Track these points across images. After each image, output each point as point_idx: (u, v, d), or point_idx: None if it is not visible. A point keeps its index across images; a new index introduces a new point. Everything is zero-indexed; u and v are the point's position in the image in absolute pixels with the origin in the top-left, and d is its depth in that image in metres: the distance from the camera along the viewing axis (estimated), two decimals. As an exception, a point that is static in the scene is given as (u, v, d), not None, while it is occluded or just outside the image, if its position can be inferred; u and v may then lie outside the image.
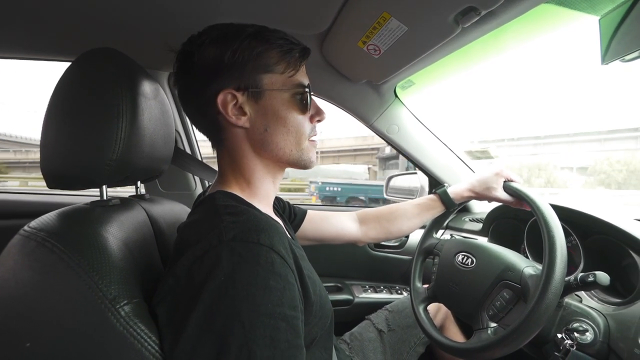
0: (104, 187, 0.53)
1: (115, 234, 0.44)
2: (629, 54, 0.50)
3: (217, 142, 0.53)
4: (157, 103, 0.59)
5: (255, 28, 0.49)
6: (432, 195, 0.82)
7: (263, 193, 0.54)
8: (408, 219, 0.81)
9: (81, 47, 0.53)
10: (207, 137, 0.55)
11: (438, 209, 0.81)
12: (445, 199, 0.79)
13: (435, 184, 1.25)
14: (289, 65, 0.49)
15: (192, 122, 0.55)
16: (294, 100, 0.50)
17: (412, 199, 1.39)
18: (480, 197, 0.77)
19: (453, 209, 0.81)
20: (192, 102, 0.51)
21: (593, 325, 0.59)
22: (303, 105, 0.51)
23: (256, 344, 0.34)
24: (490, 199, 0.76)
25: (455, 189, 0.80)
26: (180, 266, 0.38)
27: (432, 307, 0.89)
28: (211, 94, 0.48)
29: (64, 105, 0.49)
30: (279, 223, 0.50)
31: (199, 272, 0.37)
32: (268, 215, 0.50)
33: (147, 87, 0.55)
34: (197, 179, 1.24)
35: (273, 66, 0.49)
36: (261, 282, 0.36)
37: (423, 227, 0.86)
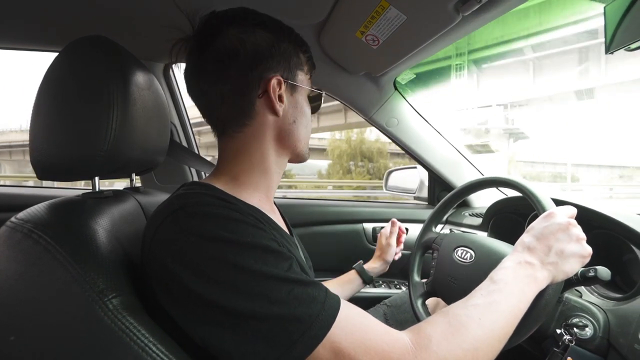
0: (96, 178, 0.52)
1: (106, 226, 0.44)
2: (634, 43, 0.49)
3: (237, 127, 0.51)
4: (151, 94, 0.58)
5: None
6: (352, 271, 0.90)
7: (264, 184, 0.54)
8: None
9: (71, 36, 0.52)
10: (221, 123, 0.52)
11: (356, 282, 0.88)
12: (361, 272, 0.88)
13: (435, 178, 1.24)
14: (309, 69, 0.56)
15: (204, 105, 0.52)
16: (310, 100, 0.57)
17: (411, 193, 1.38)
18: (385, 262, 0.91)
19: (370, 281, 0.88)
20: (223, 82, 0.49)
21: (593, 321, 0.59)
22: (315, 106, 0.59)
23: (251, 272, 0.37)
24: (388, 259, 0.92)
25: (370, 264, 0.91)
26: (148, 249, 0.41)
27: (431, 302, 0.89)
28: (258, 76, 0.49)
29: (53, 95, 0.48)
30: (264, 213, 0.50)
31: (165, 245, 0.39)
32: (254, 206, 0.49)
33: (140, 77, 0.54)
34: (194, 171, 1.23)
35: (303, 65, 0.54)
36: (224, 226, 0.39)
37: (421, 221, 0.86)
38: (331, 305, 0.38)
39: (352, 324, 0.38)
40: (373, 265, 0.90)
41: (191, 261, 0.37)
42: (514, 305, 0.45)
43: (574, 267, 0.49)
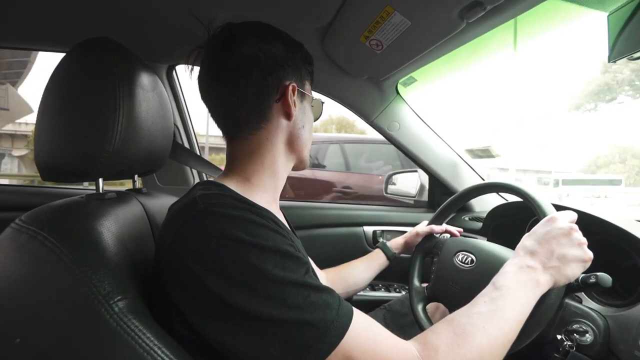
0: (100, 180, 0.52)
1: (110, 228, 0.44)
2: (636, 52, 0.49)
3: (252, 129, 0.52)
4: (156, 95, 0.58)
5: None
6: (376, 250, 0.91)
7: (272, 185, 0.55)
8: (360, 272, 0.87)
9: (77, 37, 0.52)
10: (236, 125, 0.53)
11: (382, 259, 0.89)
12: (385, 250, 0.89)
13: (436, 182, 1.24)
14: (311, 81, 0.59)
15: (220, 108, 0.53)
16: (313, 109, 0.61)
17: (412, 197, 1.38)
18: (411, 245, 0.89)
19: (393, 257, 0.89)
20: (244, 86, 0.50)
21: (593, 327, 0.59)
22: (317, 115, 0.62)
23: (272, 276, 0.37)
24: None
25: (392, 242, 0.92)
26: (167, 247, 0.41)
27: (431, 306, 0.89)
28: (276, 82, 0.51)
29: (59, 95, 0.48)
30: (277, 217, 0.49)
31: (187, 244, 0.39)
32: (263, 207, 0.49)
33: (145, 79, 0.54)
34: (195, 173, 1.23)
35: (308, 76, 0.58)
36: (247, 229, 0.39)
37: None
38: (345, 313, 0.38)
39: (364, 332, 0.38)
40: (396, 243, 0.91)
41: (212, 262, 0.37)
42: (517, 310, 0.45)
43: (575, 271, 0.49)
